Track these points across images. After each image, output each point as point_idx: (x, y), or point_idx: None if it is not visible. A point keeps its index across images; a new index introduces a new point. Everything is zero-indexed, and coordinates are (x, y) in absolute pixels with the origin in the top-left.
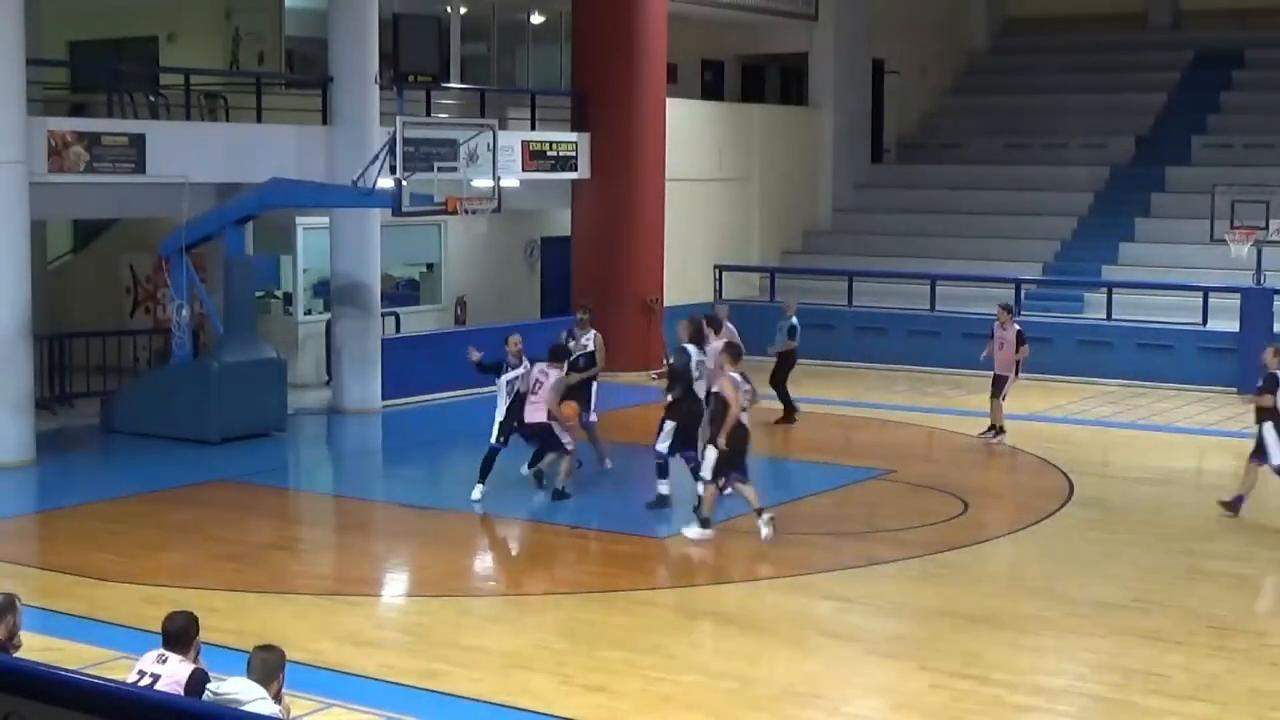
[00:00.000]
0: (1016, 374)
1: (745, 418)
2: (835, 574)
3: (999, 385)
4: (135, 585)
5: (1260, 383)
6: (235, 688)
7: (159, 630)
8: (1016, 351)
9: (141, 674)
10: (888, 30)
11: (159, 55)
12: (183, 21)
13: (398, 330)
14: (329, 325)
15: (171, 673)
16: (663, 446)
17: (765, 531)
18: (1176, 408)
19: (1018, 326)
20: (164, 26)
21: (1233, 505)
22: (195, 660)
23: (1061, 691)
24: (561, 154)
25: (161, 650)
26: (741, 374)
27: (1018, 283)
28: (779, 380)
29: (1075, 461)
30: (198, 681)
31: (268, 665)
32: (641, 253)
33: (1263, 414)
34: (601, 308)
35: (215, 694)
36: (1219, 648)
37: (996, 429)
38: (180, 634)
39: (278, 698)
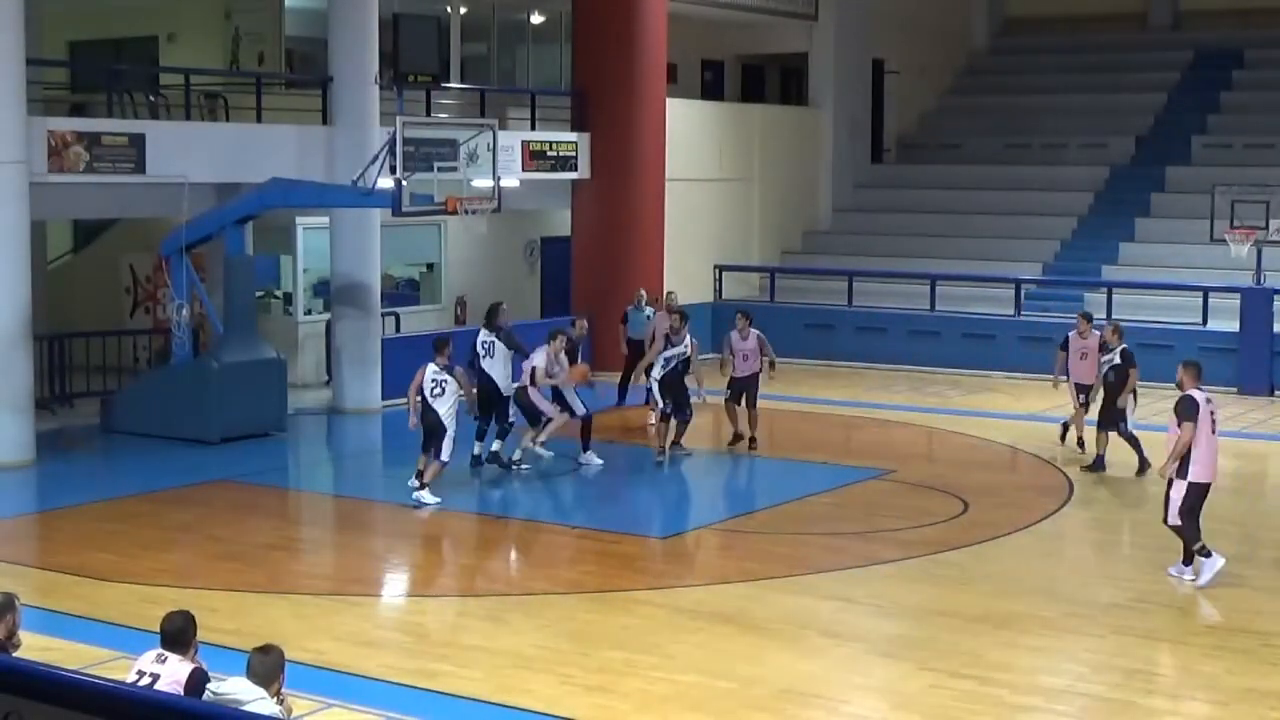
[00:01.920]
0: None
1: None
2: (835, 574)
3: (1093, 394)
4: (135, 585)
5: (1119, 360)
6: (235, 688)
7: (158, 630)
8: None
9: (140, 674)
10: (888, 30)
11: (159, 55)
12: (183, 21)
13: (398, 330)
14: (329, 325)
15: (171, 672)
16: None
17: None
18: None
19: (1098, 334)
20: (164, 26)
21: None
22: (194, 660)
23: (1061, 691)
24: (561, 154)
25: (160, 650)
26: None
27: (1018, 283)
28: (633, 369)
29: (1075, 461)
30: (198, 681)
31: (267, 666)
32: (641, 253)
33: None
34: (602, 307)
35: (215, 694)
36: (1219, 648)
37: (1080, 440)
38: (178, 634)
39: (278, 698)
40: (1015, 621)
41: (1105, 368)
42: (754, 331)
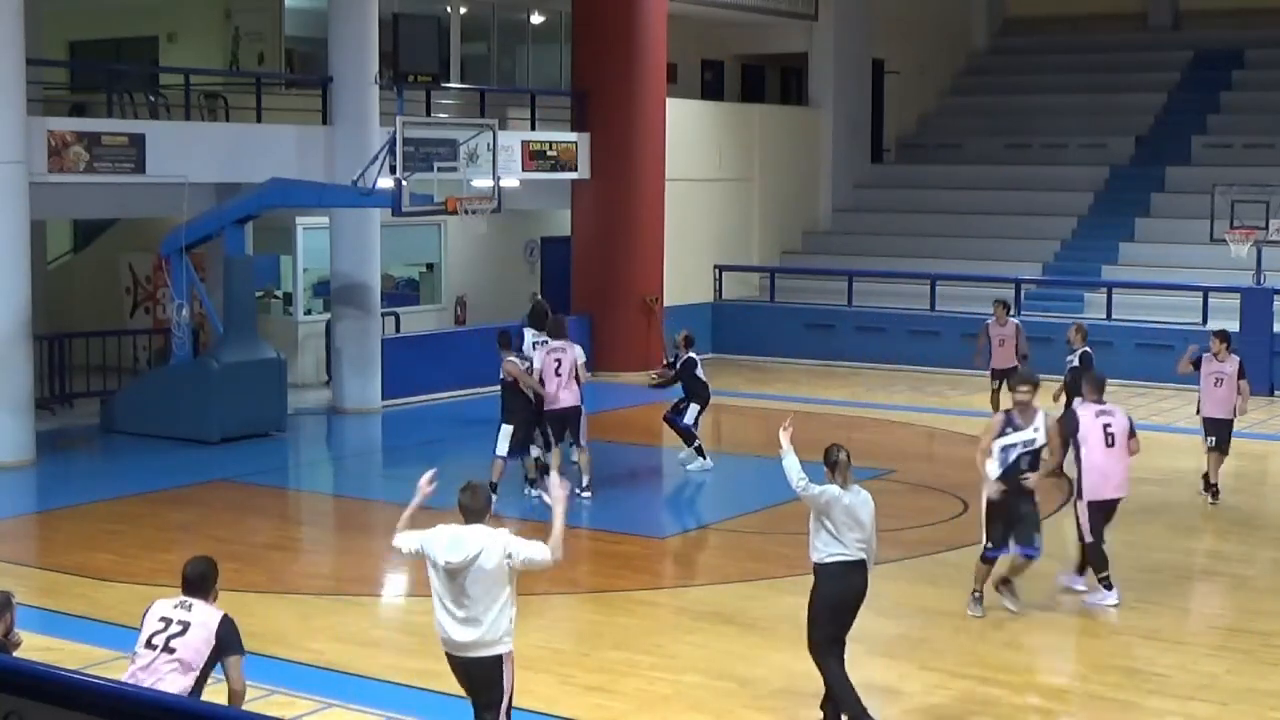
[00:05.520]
0: (1237, 413)
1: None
2: None
3: (1222, 432)
4: (135, 585)
5: (1076, 362)
6: (459, 539)
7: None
8: (1238, 388)
9: (166, 620)
10: (888, 30)
11: (159, 55)
12: (183, 21)
13: (398, 330)
14: (329, 325)
15: (201, 619)
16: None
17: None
18: (1176, 408)
19: (1238, 357)
20: (164, 26)
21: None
22: (216, 605)
23: (1061, 691)
24: (561, 154)
25: (183, 596)
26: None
27: (1018, 283)
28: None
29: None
30: (228, 629)
31: (479, 500)
32: (641, 253)
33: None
34: (601, 308)
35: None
36: (1219, 648)
37: (1210, 485)
38: (200, 579)
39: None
40: (1015, 621)
41: (1067, 369)
42: (1011, 320)
